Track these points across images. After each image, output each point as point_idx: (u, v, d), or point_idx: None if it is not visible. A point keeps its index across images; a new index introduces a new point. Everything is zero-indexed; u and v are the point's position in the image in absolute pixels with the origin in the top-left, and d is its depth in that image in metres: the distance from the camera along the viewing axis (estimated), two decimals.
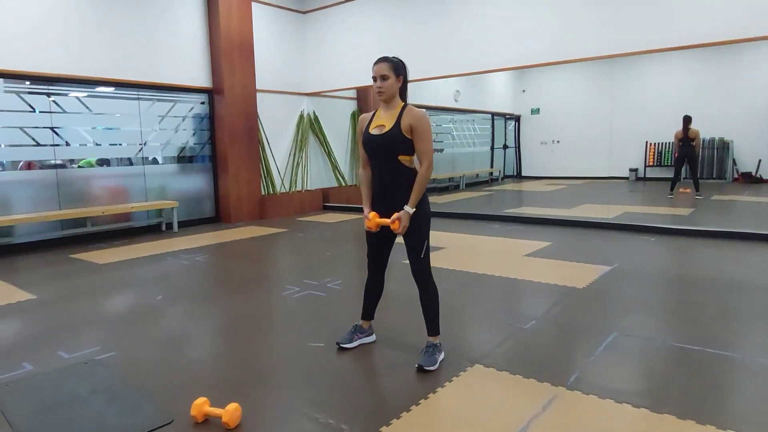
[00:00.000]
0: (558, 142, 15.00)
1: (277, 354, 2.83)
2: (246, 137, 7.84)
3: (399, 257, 4.38)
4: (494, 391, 2.34)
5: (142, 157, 7.04)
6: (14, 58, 5.67)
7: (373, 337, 2.95)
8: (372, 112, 2.72)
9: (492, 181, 14.92)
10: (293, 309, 3.61)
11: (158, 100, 7.14)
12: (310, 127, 9.29)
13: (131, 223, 6.91)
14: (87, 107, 6.42)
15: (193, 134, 7.66)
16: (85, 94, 6.40)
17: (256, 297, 3.94)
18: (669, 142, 12.94)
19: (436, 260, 4.90)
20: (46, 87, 6.04)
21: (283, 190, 8.73)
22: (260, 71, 8.14)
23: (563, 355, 2.70)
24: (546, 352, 2.75)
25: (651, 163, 13.48)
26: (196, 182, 7.73)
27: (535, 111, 15.46)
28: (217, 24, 7.41)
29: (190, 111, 7.54)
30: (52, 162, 6.15)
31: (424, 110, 2.60)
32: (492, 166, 15.19)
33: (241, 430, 2.08)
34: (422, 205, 2.61)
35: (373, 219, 2.61)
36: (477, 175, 14.43)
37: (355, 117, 10.09)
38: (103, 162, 6.78)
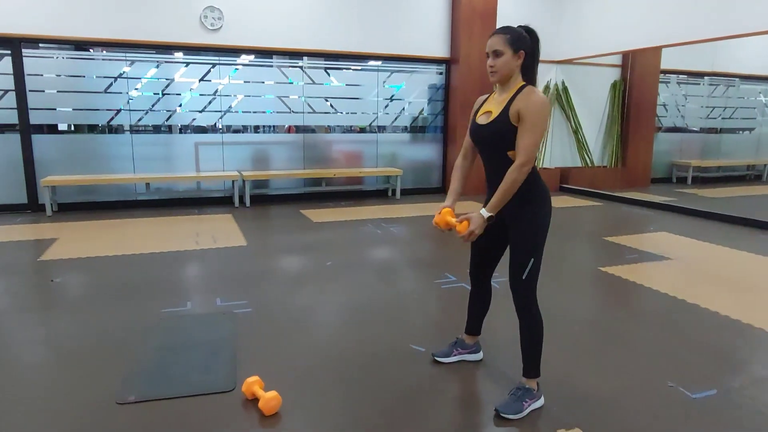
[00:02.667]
0: None
1: (373, 350, 2.66)
2: None
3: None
4: None
5: (377, 126, 7.51)
6: (286, 38, 6.65)
7: (478, 356, 2.52)
8: (487, 95, 2.23)
9: None
10: (431, 301, 3.38)
11: (396, 71, 7.44)
12: (557, 99, 8.43)
13: (362, 186, 7.52)
14: (333, 79, 7.13)
15: (428, 104, 7.78)
16: (333, 66, 7.10)
17: (408, 280, 3.82)
18: None
19: (642, 272, 3.94)
20: (297, 61, 6.92)
21: None
22: None
23: None
24: None
25: None
26: (426, 152, 7.90)
27: None
28: None
29: (426, 81, 7.66)
30: (310, 126, 7.10)
31: (544, 96, 1.99)
32: None
33: (277, 419, 2.04)
34: (534, 206, 2.04)
35: (443, 215, 2.11)
36: None
37: (616, 87, 8.72)
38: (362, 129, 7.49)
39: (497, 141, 2.05)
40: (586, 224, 5.95)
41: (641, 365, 2.51)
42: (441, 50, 7.53)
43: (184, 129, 6.60)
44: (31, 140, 5.95)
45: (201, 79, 6.51)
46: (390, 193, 7.56)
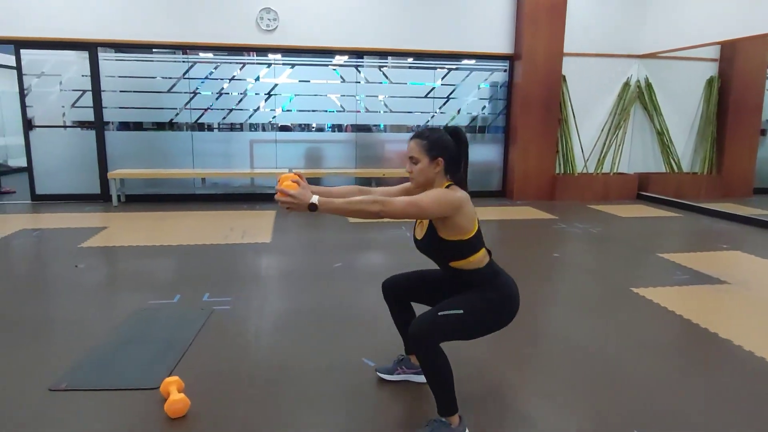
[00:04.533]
0: None
1: (325, 361, 2.50)
2: (542, 107, 7.05)
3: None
4: None
5: (431, 126, 7.27)
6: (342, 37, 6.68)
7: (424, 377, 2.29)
8: None
9: None
10: None
11: (455, 68, 7.16)
12: (638, 98, 7.61)
13: None
14: (386, 77, 7.02)
15: (489, 103, 7.39)
16: (388, 65, 6.99)
17: None
18: None
19: (682, 296, 3.40)
20: (355, 60, 6.89)
21: (584, 171, 7.56)
22: (572, 31, 7.08)
23: None
24: None
25: None
26: (485, 153, 7.51)
27: None
28: None
29: (486, 79, 7.29)
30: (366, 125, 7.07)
31: (452, 192, 1.81)
32: None
33: (179, 423, 1.98)
34: (493, 286, 1.89)
35: (286, 177, 1.77)
36: None
37: (711, 84, 7.70)
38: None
39: (435, 256, 1.95)
40: (646, 237, 5.29)
41: (617, 404, 2.12)
42: (504, 46, 7.12)
43: (240, 126, 6.85)
44: (104, 136, 6.51)
45: (257, 79, 6.72)
46: None
